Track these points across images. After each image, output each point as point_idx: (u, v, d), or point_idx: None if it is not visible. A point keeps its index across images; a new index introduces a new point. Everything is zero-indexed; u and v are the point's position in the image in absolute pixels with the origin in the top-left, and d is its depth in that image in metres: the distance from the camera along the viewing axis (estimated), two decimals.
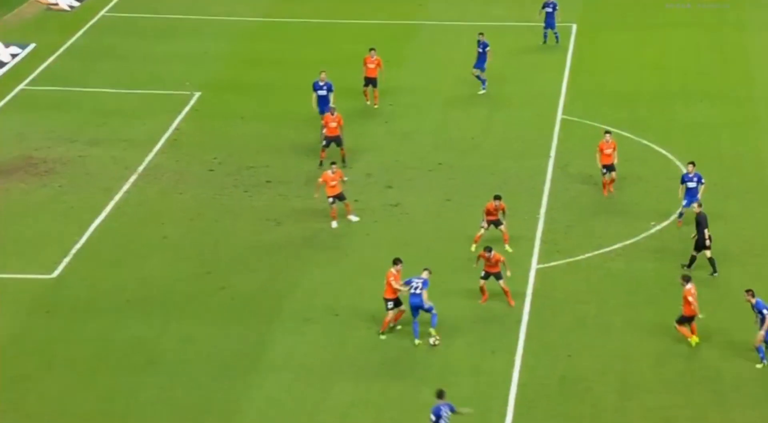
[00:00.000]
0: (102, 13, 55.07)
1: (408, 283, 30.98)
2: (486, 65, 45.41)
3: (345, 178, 36.97)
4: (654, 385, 29.63)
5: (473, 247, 34.89)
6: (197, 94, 45.99)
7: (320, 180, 36.54)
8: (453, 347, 30.85)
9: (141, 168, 40.54)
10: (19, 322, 32.16)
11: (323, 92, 41.28)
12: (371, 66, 44.06)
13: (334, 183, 36.28)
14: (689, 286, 30.73)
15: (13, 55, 49.61)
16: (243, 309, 32.62)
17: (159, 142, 42.35)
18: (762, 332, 29.56)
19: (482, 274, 32.64)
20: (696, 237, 33.76)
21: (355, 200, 37.93)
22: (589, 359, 30.62)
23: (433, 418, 26.88)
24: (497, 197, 35.21)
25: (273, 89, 46.64)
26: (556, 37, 50.30)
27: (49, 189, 39.25)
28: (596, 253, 35.09)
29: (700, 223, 33.73)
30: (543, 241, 35.88)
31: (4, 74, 47.97)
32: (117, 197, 38.62)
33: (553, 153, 41.46)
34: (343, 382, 29.67)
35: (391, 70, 46.78)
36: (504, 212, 35.26)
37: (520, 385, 29.52)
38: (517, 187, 38.97)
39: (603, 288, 33.34)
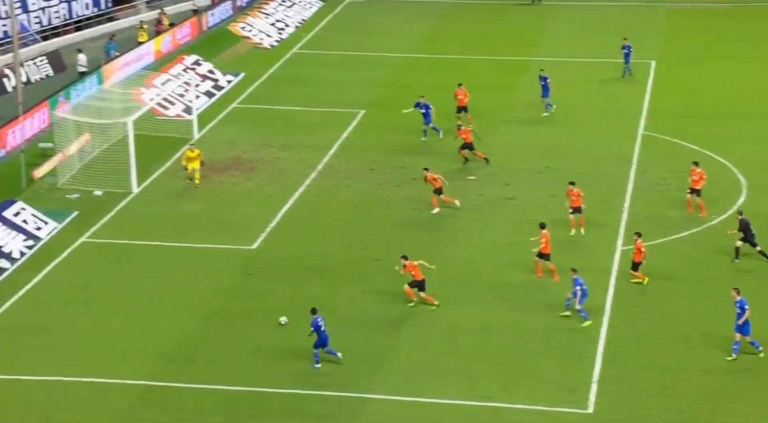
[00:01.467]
0: (294, 50, 55.26)
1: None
2: (549, 94, 44.01)
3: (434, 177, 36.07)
4: (709, 341, 28.45)
5: (572, 232, 34.06)
6: (362, 112, 45.80)
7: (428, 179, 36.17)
8: (556, 309, 29.91)
9: (320, 167, 40.39)
10: (229, 280, 32.24)
11: (423, 110, 41.49)
12: (460, 97, 43.13)
13: (434, 181, 35.89)
14: (640, 240, 30.92)
15: (229, 82, 50.06)
16: (393, 276, 31.98)
17: (333, 148, 42.17)
18: (740, 323, 27.60)
19: (537, 252, 31.55)
20: (735, 233, 32.28)
21: (480, 194, 37.33)
22: (659, 321, 29.58)
23: (312, 328, 26.89)
24: (572, 183, 34.16)
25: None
26: (625, 72, 48.52)
27: (252, 182, 39.33)
28: (669, 238, 33.83)
29: (741, 226, 32.28)
30: (626, 228, 34.67)
31: (222, 96, 48.45)
32: (301, 189, 38.52)
33: (635, 161, 40.15)
34: (466, 336, 29.10)
35: (509, 95, 46.09)
36: (582, 198, 34.01)
37: (606, 341, 28.66)
38: (606, 186, 37.77)
39: (673, 265, 32.10)
